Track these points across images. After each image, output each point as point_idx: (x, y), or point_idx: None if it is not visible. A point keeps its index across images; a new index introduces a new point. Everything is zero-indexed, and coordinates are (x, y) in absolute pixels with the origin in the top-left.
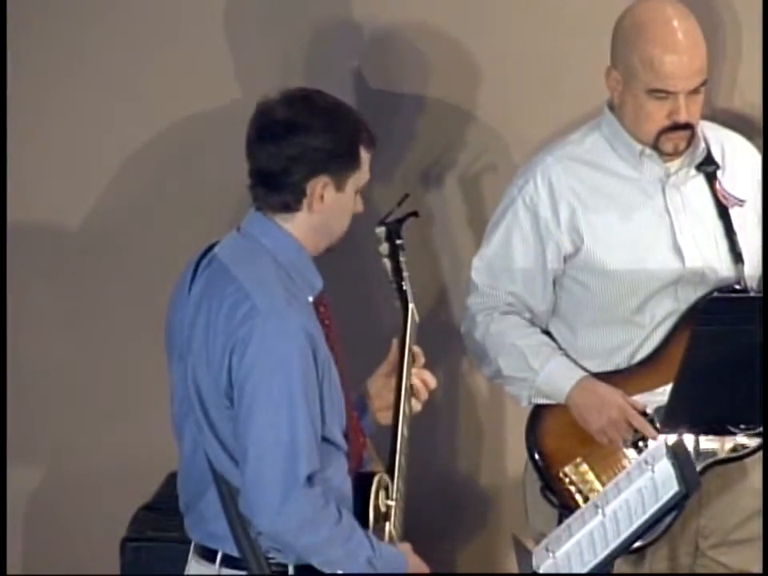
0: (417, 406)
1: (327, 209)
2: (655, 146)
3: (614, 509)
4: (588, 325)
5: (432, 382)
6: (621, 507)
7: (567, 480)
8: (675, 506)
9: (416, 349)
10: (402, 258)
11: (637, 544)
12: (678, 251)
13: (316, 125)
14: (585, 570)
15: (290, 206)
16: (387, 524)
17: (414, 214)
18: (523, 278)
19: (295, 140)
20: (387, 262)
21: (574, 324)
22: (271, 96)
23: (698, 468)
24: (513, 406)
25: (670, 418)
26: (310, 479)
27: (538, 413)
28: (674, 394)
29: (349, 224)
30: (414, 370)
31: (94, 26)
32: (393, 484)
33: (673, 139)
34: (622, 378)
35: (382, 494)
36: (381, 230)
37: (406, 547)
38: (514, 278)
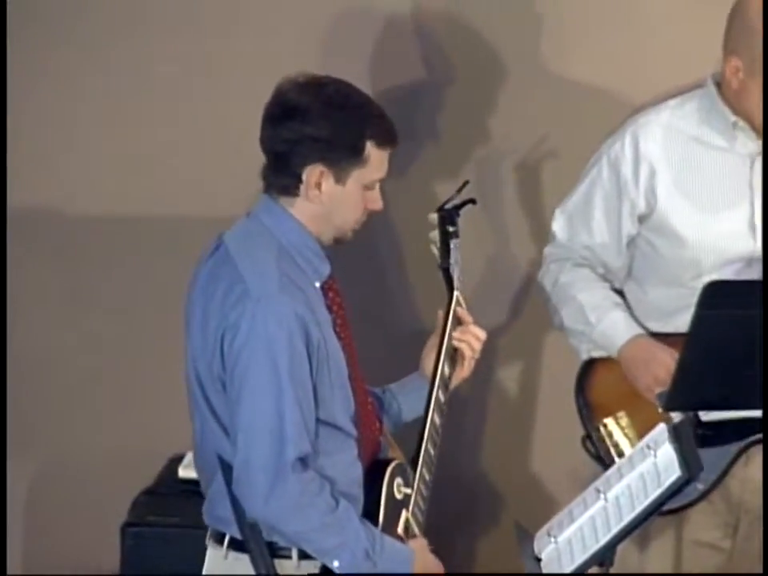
0: (464, 371)
1: (326, 199)
2: None
3: (616, 494)
4: (656, 285)
5: (480, 333)
6: (623, 492)
7: (606, 431)
8: (678, 490)
9: (461, 311)
10: (453, 245)
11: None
12: (753, 228)
13: (315, 112)
14: (586, 556)
15: (290, 190)
16: (404, 512)
17: (472, 201)
18: (600, 234)
19: (292, 125)
20: (435, 249)
21: (643, 283)
22: (290, 78)
23: (742, 444)
24: (542, 405)
25: (673, 399)
26: (302, 463)
27: (590, 364)
28: (677, 375)
29: (360, 219)
30: (456, 334)
31: (99, 21)
32: (416, 472)
33: None
34: (680, 340)
35: (398, 482)
36: (434, 217)
37: (419, 544)
38: (592, 233)
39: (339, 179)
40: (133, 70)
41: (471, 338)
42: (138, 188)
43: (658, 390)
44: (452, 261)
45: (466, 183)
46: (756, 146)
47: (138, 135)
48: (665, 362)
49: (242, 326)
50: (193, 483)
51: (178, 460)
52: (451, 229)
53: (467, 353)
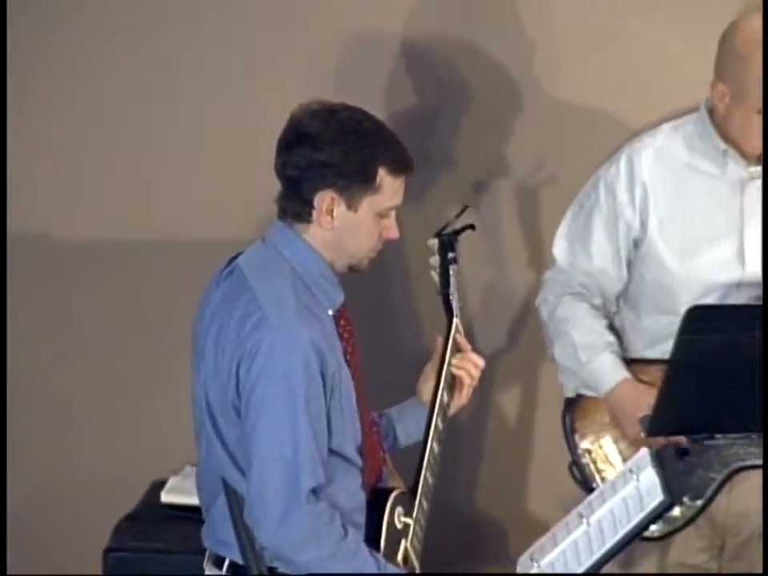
0: (462, 399)
1: (338, 225)
2: (759, 159)
3: (598, 518)
4: (648, 311)
5: (479, 361)
6: (605, 516)
7: (591, 458)
8: (661, 515)
9: (459, 338)
10: (452, 272)
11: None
12: (741, 255)
13: (325, 138)
14: None
15: (302, 216)
16: (403, 541)
17: (471, 226)
18: (600, 258)
19: (302, 150)
20: (435, 275)
21: (637, 309)
22: (306, 104)
23: (726, 472)
24: (540, 431)
25: (656, 424)
26: (314, 493)
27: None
28: (659, 400)
29: (376, 248)
30: (455, 361)
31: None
32: (415, 501)
33: None
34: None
35: (399, 511)
36: (433, 242)
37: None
38: (591, 258)
39: (351, 206)
40: (134, 96)
41: (470, 366)
42: (133, 212)
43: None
44: (451, 287)
45: (465, 208)
46: (745, 171)
47: (137, 160)
48: (650, 406)
49: (259, 354)
50: (175, 508)
51: (160, 485)
52: (450, 255)
53: (466, 380)
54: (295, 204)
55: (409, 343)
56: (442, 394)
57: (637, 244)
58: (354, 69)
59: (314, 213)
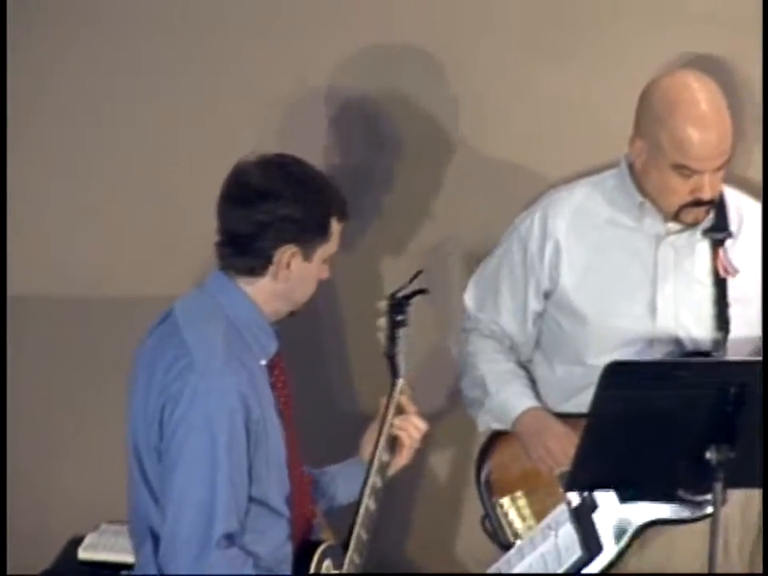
0: (402, 459)
1: (292, 277)
2: (676, 216)
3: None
4: (562, 362)
5: (421, 425)
6: (524, 573)
7: (502, 511)
8: (579, 570)
9: (404, 400)
10: (400, 334)
11: None
12: (653, 309)
13: (288, 194)
14: None
15: (255, 271)
16: None
17: (423, 291)
18: (506, 310)
19: (266, 207)
20: (382, 336)
21: (551, 359)
22: (249, 158)
23: (639, 524)
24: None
25: (575, 479)
26: (228, 539)
27: (492, 440)
28: (578, 455)
29: (313, 291)
30: (397, 422)
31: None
32: (346, 555)
33: (694, 212)
34: (582, 421)
35: (327, 564)
36: (383, 304)
37: None
38: (498, 308)
39: (307, 257)
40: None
41: (411, 428)
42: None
43: (550, 461)
44: (398, 349)
45: (418, 273)
46: (662, 225)
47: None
48: (556, 434)
49: (182, 399)
50: (93, 565)
51: (77, 541)
52: (400, 318)
53: (406, 442)
54: (250, 260)
55: (343, 396)
56: (381, 454)
57: (548, 295)
58: (287, 123)
59: (271, 267)
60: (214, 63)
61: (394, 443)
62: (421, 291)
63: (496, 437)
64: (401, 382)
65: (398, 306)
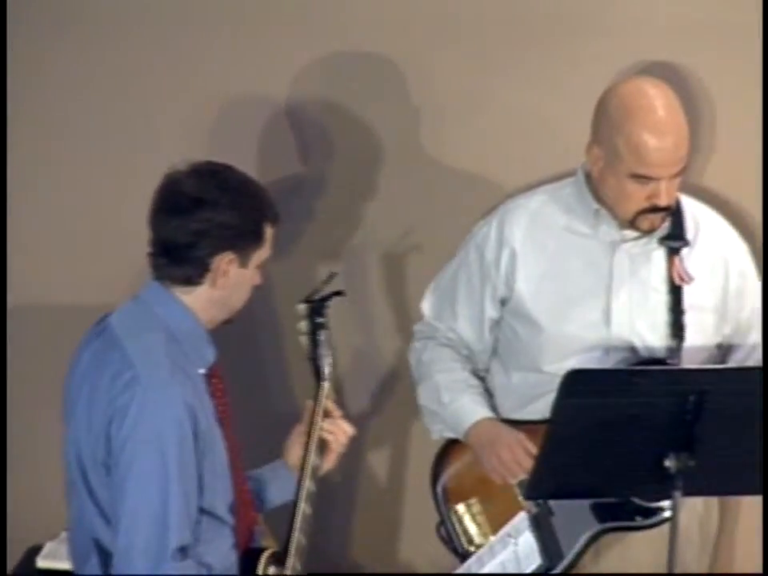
0: (329, 463)
1: (229, 284)
2: (632, 223)
3: None
4: (518, 369)
5: (348, 429)
6: None
7: (457, 517)
8: None
9: (329, 404)
10: (321, 337)
11: None
12: (607, 316)
13: (224, 201)
14: None
15: (192, 279)
16: None
17: (339, 293)
18: (463, 317)
19: (202, 215)
20: (304, 340)
21: (507, 366)
22: (180, 168)
23: (593, 531)
24: (410, 491)
25: (534, 487)
26: (182, 552)
27: (448, 448)
28: (537, 463)
29: (248, 297)
30: (325, 425)
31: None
32: (287, 560)
33: (650, 219)
34: (539, 428)
35: (271, 570)
36: (302, 307)
37: None
38: (456, 315)
39: (243, 263)
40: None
41: (339, 432)
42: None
43: (503, 471)
44: (320, 352)
45: (333, 275)
46: (617, 232)
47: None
48: (509, 443)
49: (130, 413)
50: (52, 574)
51: (36, 550)
52: (319, 320)
53: (333, 446)
54: (187, 269)
55: (279, 401)
56: (311, 457)
57: (504, 303)
58: (224, 129)
59: (209, 275)
60: (151, 65)
61: (322, 447)
62: (337, 293)
63: (451, 444)
64: (326, 385)
65: (317, 308)
